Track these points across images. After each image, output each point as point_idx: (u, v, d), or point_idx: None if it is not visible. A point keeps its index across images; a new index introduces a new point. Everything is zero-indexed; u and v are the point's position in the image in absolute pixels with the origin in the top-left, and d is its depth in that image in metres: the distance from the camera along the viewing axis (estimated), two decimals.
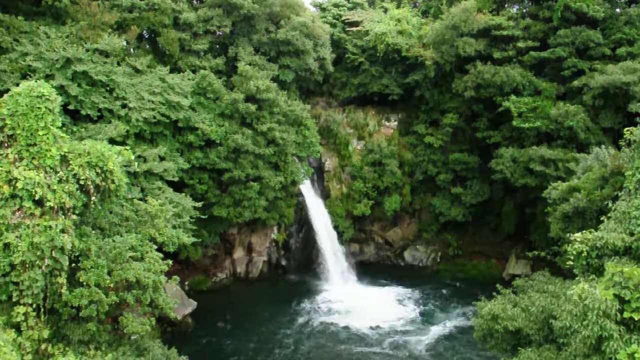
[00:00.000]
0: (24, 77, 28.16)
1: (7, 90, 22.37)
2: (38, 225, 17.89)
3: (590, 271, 16.99)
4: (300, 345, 32.97)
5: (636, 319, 13.11)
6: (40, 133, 18.39)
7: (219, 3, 39.31)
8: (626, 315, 13.24)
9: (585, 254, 17.07)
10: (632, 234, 16.74)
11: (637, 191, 18.70)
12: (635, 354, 12.53)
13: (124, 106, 31.53)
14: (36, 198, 17.89)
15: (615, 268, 13.92)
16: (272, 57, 41.85)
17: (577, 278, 17.49)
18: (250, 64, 39.38)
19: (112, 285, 19.88)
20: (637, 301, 13.20)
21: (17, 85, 22.61)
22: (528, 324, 19.07)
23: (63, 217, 18.51)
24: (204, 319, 35.42)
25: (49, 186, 18.22)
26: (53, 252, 17.89)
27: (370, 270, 45.34)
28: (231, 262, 43.00)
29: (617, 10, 40.54)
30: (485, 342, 21.04)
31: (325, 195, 46.56)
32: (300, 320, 36.34)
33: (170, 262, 23.03)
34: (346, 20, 49.47)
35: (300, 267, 45.47)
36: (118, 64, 32.80)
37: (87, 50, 30.85)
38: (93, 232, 20.83)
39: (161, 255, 22.76)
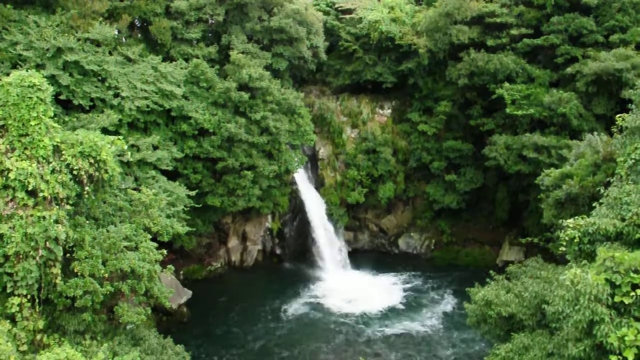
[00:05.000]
0: (14, 66, 27.94)
1: None
2: (31, 215, 17.88)
3: (582, 257, 17.17)
4: (295, 334, 33.16)
5: (627, 302, 13.28)
6: (32, 123, 18.30)
7: None
8: (617, 299, 13.40)
9: (577, 239, 17.25)
10: (623, 220, 16.90)
11: (628, 177, 18.86)
12: (626, 337, 12.71)
13: (116, 95, 31.37)
14: (29, 189, 17.86)
15: (607, 253, 14.06)
16: (265, 46, 41.66)
17: (569, 264, 17.68)
18: (243, 53, 39.16)
19: (106, 275, 19.94)
20: (627, 285, 13.36)
21: (8, 75, 22.45)
22: (521, 310, 19.28)
23: (57, 207, 18.50)
24: (199, 308, 35.53)
25: (41, 176, 18.18)
26: (47, 242, 17.90)
27: (365, 258, 45.48)
28: (226, 251, 43.05)
29: None
30: (479, 327, 21.27)
31: (319, 183, 46.59)
32: (296, 308, 36.50)
33: (165, 251, 23.10)
34: (339, 8, 49.16)
35: (294, 255, 45.57)
36: (110, 53, 32.58)
37: (78, 40, 30.60)
38: (87, 222, 20.83)
39: (155, 244, 22.81)
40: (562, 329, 15.69)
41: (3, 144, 18.23)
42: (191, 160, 36.70)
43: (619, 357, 12.86)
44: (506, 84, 39.61)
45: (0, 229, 17.49)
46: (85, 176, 19.31)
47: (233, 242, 43.16)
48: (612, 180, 20.57)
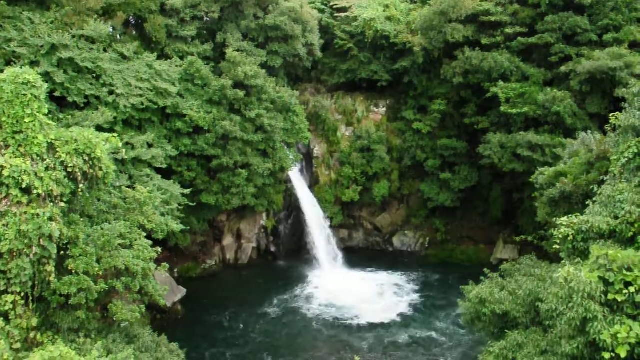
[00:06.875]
0: (8, 63, 27.82)
1: None
2: (25, 213, 17.79)
3: (575, 254, 17.26)
4: (289, 332, 33.14)
5: (620, 300, 13.36)
6: (27, 120, 18.21)
7: None
8: (610, 297, 13.49)
9: (571, 237, 17.33)
10: (616, 218, 16.99)
11: (622, 175, 18.95)
12: (618, 334, 12.79)
13: (111, 93, 31.28)
14: (23, 186, 17.75)
15: (600, 251, 14.14)
16: (261, 43, 41.61)
17: (563, 261, 17.74)
18: (238, 50, 39.12)
19: (101, 272, 19.88)
20: (620, 283, 13.45)
21: (2, 71, 22.34)
22: (515, 307, 19.35)
23: (51, 204, 18.41)
24: (194, 305, 35.49)
25: (36, 174, 18.08)
26: (41, 240, 17.81)
27: (359, 256, 45.51)
28: (220, 249, 43.01)
29: None
30: (473, 325, 21.34)
31: (314, 181, 46.60)
32: (290, 306, 36.50)
33: (159, 249, 23.06)
34: (334, 6, 49.23)
35: (289, 253, 45.57)
36: (104, 50, 32.46)
37: (73, 37, 30.47)
38: (81, 219, 20.73)
39: (150, 242, 22.75)
40: (555, 326, 15.78)
41: None
42: (186, 158, 36.64)
43: (612, 354, 12.94)
44: (501, 83, 39.73)
45: None
46: (79, 173, 19.22)
47: (228, 240, 43.12)
48: (605, 178, 20.67)
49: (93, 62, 30.53)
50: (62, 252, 19.41)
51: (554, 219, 21.43)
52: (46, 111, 19.13)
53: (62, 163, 18.84)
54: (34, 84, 18.51)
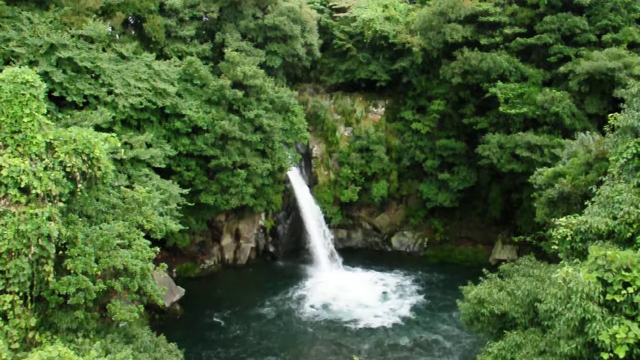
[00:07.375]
0: (7, 63, 27.80)
1: None
2: (24, 212, 17.77)
3: (574, 255, 17.29)
4: (287, 334, 33.13)
5: (618, 300, 13.38)
6: (25, 120, 18.19)
7: None
8: (609, 297, 13.51)
9: (569, 238, 17.36)
10: (615, 218, 17.02)
11: (620, 176, 18.97)
12: (617, 334, 12.81)
13: (110, 92, 31.27)
14: (22, 185, 17.74)
15: (599, 251, 14.17)
16: (259, 43, 41.61)
17: (561, 262, 17.79)
18: (237, 50, 39.12)
19: (99, 272, 19.88)
20: (619, 283, 13.47)
21: (0, 71, 22.30)
22: (514, 308, 19.39)
23: (49, 204, 18.40)
24: (193, 305, 35.49)
25: (34, 173, 18.07)
26: (39, 239, 17.80)
27: (358, 256, 45.51)
28: (219, 249, 42.98)
29: None
30: (472, 325, 21.38)
31: (312, 181, 46.59)
32: (288, 306, 36.50)
33: (158, 249, 23.06)
34: (333, 6, 49.22)
35: (288, 253, 45.58)
36: (103, 50, 32.44)
37: (72, 36, 30.46)
38: (80, 219, 20.74)
39: (149, 242, 22.76)
40: (554, 326, 15.79)
41: None
42: (184, 157, 36.63)
43: (611, 354, 12.97)
44: (499, 83, 39.75)
45: None
46: (78, 173, 19.22)
47: (226, 240, 43.09)
48: (604, 179, 20.70)
49: (92, 61, 30.52)
50: (60, 252, 19.40)
51: (553, 219, 21.49)
52: (45, 111, 19.12)
53: (60, 163, 18.83)
54: (32, 83, 18.49)
